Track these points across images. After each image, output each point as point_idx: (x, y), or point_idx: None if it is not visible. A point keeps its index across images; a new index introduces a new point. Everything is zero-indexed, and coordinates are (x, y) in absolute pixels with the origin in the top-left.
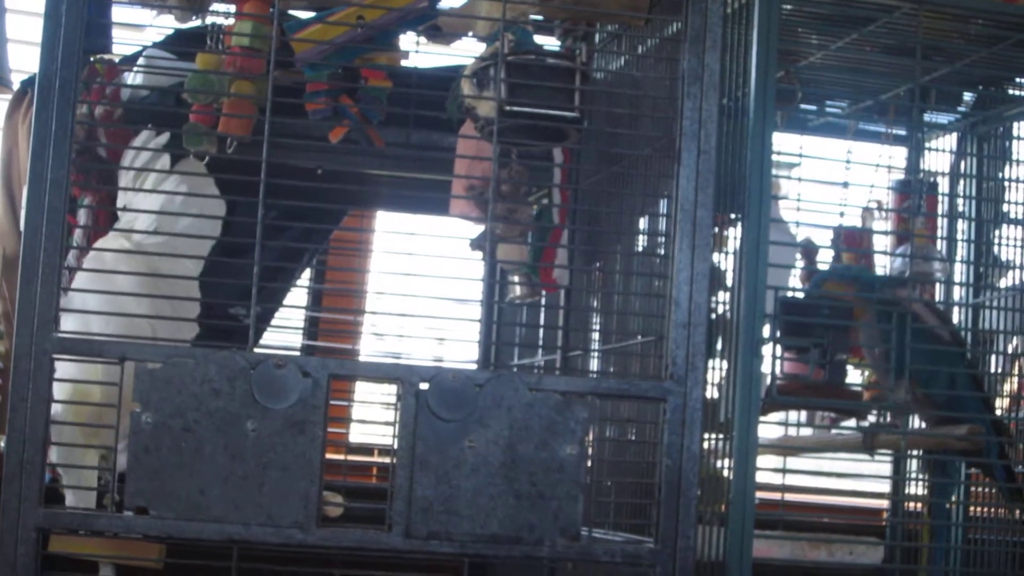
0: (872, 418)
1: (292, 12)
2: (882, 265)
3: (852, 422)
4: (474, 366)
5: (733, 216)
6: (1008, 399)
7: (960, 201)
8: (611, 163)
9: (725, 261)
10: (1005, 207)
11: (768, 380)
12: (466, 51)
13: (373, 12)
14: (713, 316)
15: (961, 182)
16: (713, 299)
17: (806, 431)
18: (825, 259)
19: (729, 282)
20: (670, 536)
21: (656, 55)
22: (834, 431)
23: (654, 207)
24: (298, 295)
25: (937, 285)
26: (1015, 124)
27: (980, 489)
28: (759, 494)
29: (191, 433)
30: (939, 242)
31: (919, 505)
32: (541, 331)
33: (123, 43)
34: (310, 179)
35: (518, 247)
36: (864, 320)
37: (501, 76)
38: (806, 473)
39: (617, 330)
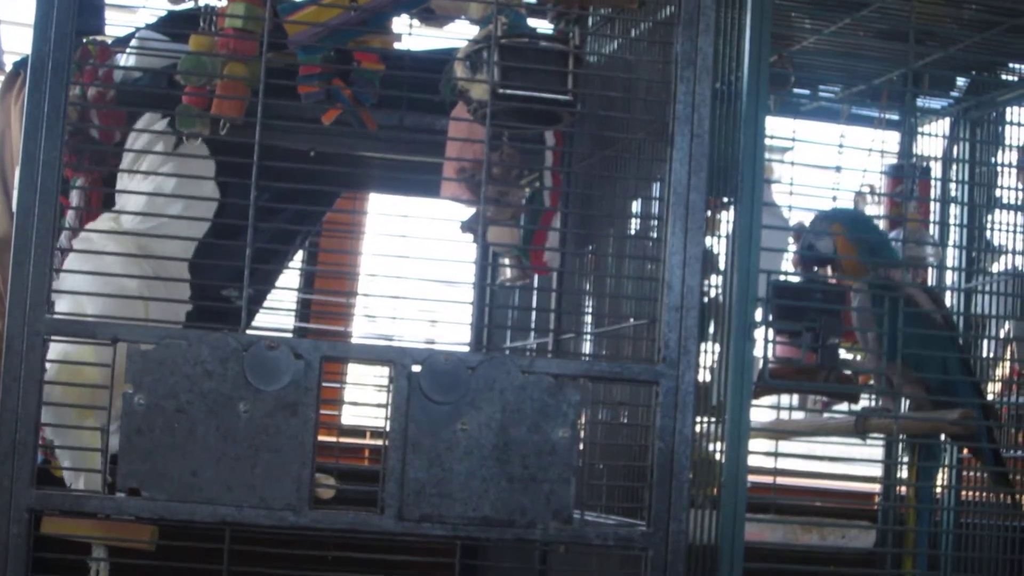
0: (864, 402)
1: None
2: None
3: (844, 406)
4: (466, 348)
5: (726, 200)
6: (1000, 383)
7: (953, 186)
8: (604, 146)
9: (718, 245)
10: (997, 192)
11: (760, 364)
12: (459, 34)
13: None
14: (706, 299)
15: (954, 167)
16: (706, 283)
17: (798, 415)
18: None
19: (722, 266)
20: (662, 519)
21: (649, 38)
22: (826, 415)
23: (647, 190)
24: (290, 277)
25: (929, 270)
26: (1008, 109)
27: (971, 473)
28: (751, 478)
29: (183, 415)
30: (932, 227)
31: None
32: (533, 314)
33: (116, 24)
34: (303, 161)
35: (509, 230)
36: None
37: (494, 59)
38: (798, 457)
39: (610, 313)
